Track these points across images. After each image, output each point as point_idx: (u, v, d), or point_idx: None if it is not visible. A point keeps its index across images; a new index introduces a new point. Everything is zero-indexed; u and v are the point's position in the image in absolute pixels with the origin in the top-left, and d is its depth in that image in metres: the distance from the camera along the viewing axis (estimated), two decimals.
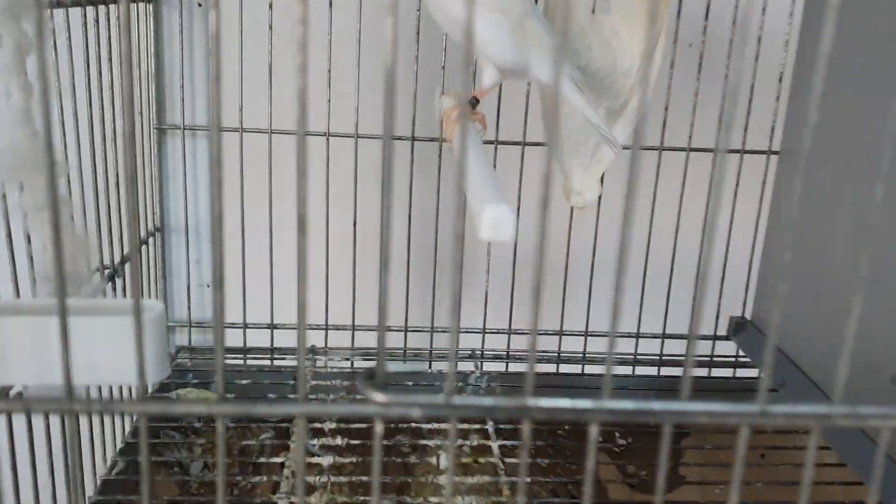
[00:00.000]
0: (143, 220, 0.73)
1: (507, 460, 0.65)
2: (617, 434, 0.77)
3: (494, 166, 0.77)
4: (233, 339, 0.80)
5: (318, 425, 0.67)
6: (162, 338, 0.42)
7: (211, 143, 0.27)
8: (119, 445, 0.66)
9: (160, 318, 0.41)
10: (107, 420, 0.64)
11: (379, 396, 0.30)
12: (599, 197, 0.76)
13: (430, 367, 0.82)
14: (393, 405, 0.30)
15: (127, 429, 0.68)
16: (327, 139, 0.75)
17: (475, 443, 0.68)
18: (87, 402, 0.29)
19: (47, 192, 0.28)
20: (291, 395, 0.75)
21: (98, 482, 0.61)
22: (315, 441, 0.64)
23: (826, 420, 0.32)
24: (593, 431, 0.32)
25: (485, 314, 0.82)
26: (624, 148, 0.67)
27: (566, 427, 0.73)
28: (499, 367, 0.82)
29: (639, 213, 0.80)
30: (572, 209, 0.78)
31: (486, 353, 0.83)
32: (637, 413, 0.31)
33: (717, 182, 0.29)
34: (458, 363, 0.82)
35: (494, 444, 0.67)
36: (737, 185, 0.81)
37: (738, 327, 0.84)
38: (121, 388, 0.64)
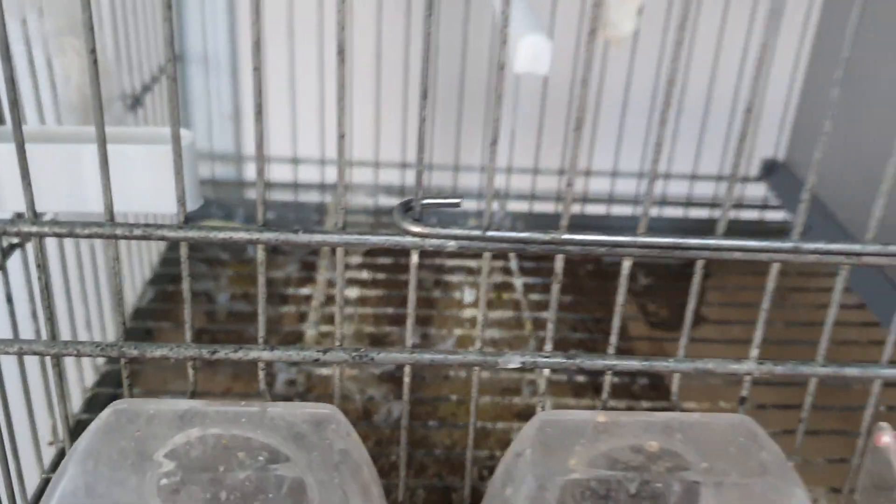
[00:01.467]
0: (157, 47, 0.71)
1: (530, 297, 0.66)
2: (640, 274, 0.78)
3: None
4: (254, 172, 0.80)
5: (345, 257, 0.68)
6: (194, 166, 0.41)
7: None
8: (147, 276, 0.67)
9: (192, 146, 0.41)
10: (134, 251, 0.64)
11: (416, 227, 0.30)
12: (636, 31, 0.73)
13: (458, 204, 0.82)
14: (429, 236, 0.30)
15: (154, 260, 0.69)
16: None
17: (498, 280, 0.68)
18: (129, 226, 0.29)
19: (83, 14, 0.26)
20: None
21: (130, 310, 0.63)
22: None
23: (857, 258, 0.32)
24: (626, 266, 0.32)
25: (510, 153, 0.80)
26: None
27: (588, 267, 0.74)
28: (522, 206, 0.82)
29: (673, 49, 0.76)
30: (606, 43, 0.75)
31: (511, 192, 0.82)
32: (671, 247, 0.31)
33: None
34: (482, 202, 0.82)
35: (517, 281, 0.68)
36: (780, 17, 0.77)
37: (771, 169, 0.83)
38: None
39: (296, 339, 0.62)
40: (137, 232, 0.30)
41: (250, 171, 0.78)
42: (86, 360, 0.52)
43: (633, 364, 0.32)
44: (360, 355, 0.32)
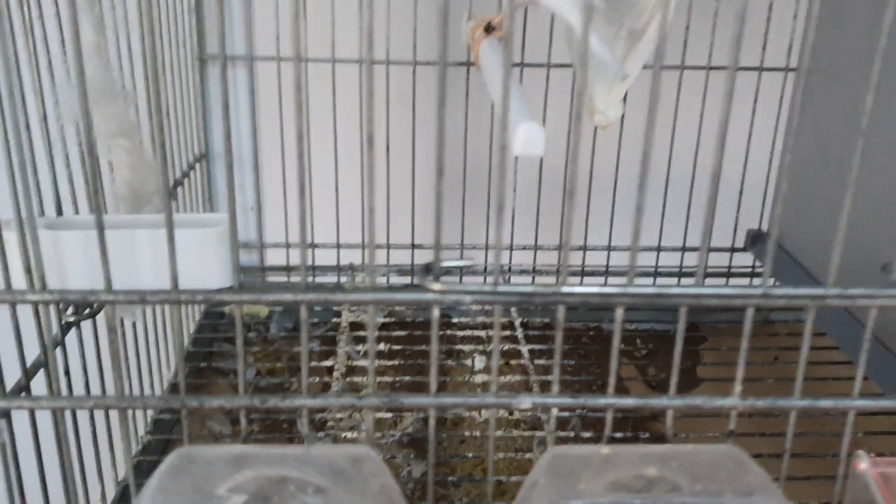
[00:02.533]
0: (188, 146, 0.78)
1: (537, 362, 0.71)
2: (638, 341, 0.82)
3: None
4: (275, 258, 0.86)
5: (360, 333, 0.73)
6: (229, 247, 0.47)
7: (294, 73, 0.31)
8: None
9: (227, 230, 0.46)
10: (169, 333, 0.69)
11: (436, 285, 0.35)
12: (622, 116, 0.79)
13: (460, 280, 0.87)
14: (448, 292, 0.35)
15: (186, 341, 0.74)
16: (360, 66, 0.79)
17: (506, 347, 0.73)
18: (192, 293, 0.34)
19: (158, 135, 0.32)
20: (345, 287, 0.80)
21: (164, 385, 0.67)
22: (359, 347, 0.70)
23: (821, 300, 0.36)
24: (619, 314, 0.37)
25: (512, 231, 0.86)
26: (645, 67, 0.70)
27: (590, 333, 0.79)
28: (525, 280, 0.88)
29: (660, 130, 0.83)
30: (596, 128, 0.82)
31: (513, 267, 0.88)
32: (657, 296, 0.36)
33: (728, 94, 0.33)
34: (485, 278, 0.88)
35: (524, 349, 0.73)
36: (755, 101, 0.84)
37: (755, 239, 0.88)
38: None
39: (321, 407, 0.66)
40: (199, 297, 0.35)
41: (271, 257, 0.84)
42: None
43: (631, 402, 0.36)
44: (392, 400, 0.36)
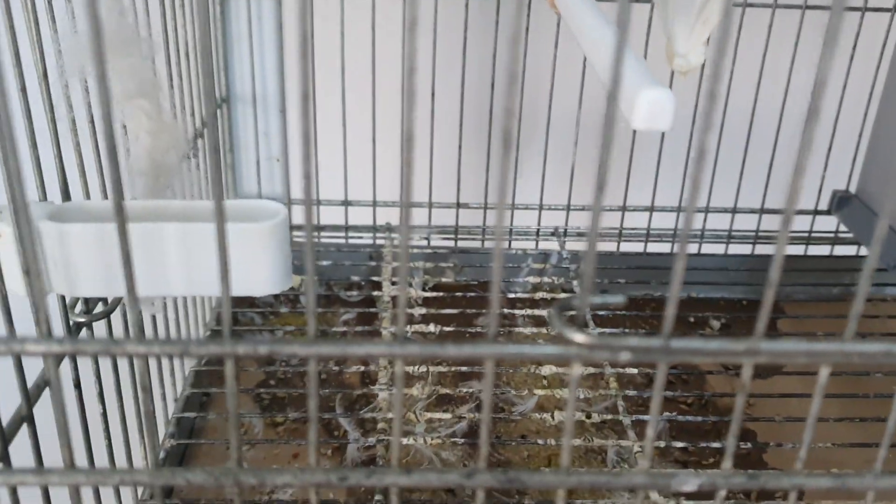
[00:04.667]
0: (209, 91, 0.67)
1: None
2: (710, 317, 0.74)
3: None
4: (302, 217, 0.76)
5: (408, 311, 0.64)
6: (288, 243, 0.38)
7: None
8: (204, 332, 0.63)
9: (285, 222, 0.37)
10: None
11: (579, 336, 0.26)
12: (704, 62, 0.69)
13: (482, 244, 0.78)
14: (599, 347, 0.26)
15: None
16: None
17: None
18: (252, 345, 0.25)
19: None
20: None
21: (186, 373, 0.59)
22: (408, 328, 0.61)
23: None
24: (823, 374, 0.28)
25: (570, 189, 0.76)
26: (736, 5, 0.59)
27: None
28: (580, 245, 0.78)
29: (743, 79, 0.73)
30: (673, 74, 0.71)
31: (569, 230, 0.78)
32: (880, 353, 0.27)
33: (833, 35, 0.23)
34: (540, 241, 0.78)
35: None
36: (854, 47, 0.73)
37: (842, 202, 0.79)
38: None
39: (366, 401, 0.58)
40: (263, 349, 0.25)
41: (297, 215, 0.75)
42: None
43: (824, 482, 0.28)
44: (510, 479, 0.28)
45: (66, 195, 0.39)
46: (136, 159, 0.41)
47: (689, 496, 0.49)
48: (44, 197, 0.39)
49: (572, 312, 0.27)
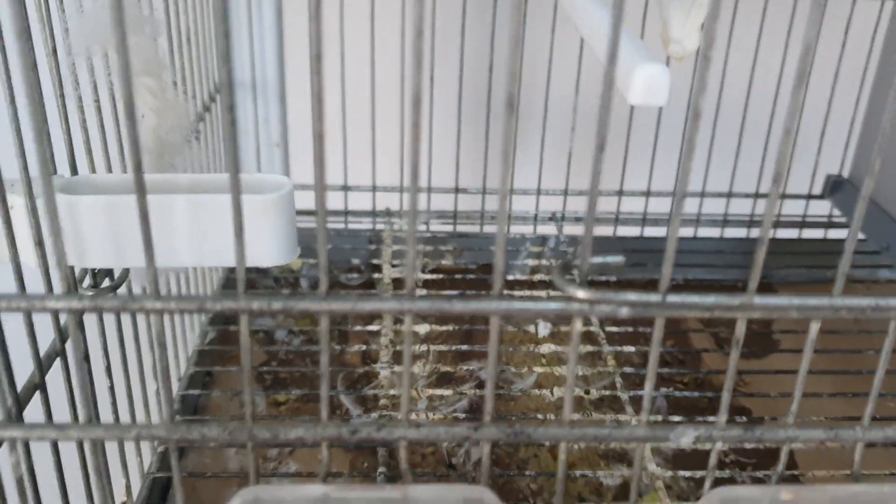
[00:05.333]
0: (209, 75, 0.68)
1: (607, 329, 0.63)
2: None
3: None
4: (304, 201, 0.77)
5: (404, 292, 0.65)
6: (294, 214, 0.38)
7: None
8: (205, 318, 0.64)
9: (291, 194, 0.38)
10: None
11: (583, 293, 0.27)
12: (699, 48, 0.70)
13: (481, 228, 0.78)
14: (600, 302, 0.27)
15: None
16: None
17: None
18: (267, 300, 0.26)
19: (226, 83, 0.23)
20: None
21: (190, 352, 0.60)
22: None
23: None
24: (814, 329, 0.29)
25: (567, 174, 0.77)
26: None
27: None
28: (577, 230, 0.79)
29: (738, 64, 0.74)
30: (668, 58, 0.72)
31: (566, 215, 0.79)
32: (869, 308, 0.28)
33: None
34: (538, 226, 0.79)
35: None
36: (846, 32, 0.74)
37: (835, 186, 0.80)
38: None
39: (367, 380, 0.59)
40: (276, 305, 0.26)
41: (302, 201, 0.75)
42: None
43: (817, 434, 0.29)
44: (515, 432, 0.28)
45: (74, 170, 0.40)
46: (140, 136, 0.42)
47: (683, 466, 0.50)
48: (54, 171, 0.39)
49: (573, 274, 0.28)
